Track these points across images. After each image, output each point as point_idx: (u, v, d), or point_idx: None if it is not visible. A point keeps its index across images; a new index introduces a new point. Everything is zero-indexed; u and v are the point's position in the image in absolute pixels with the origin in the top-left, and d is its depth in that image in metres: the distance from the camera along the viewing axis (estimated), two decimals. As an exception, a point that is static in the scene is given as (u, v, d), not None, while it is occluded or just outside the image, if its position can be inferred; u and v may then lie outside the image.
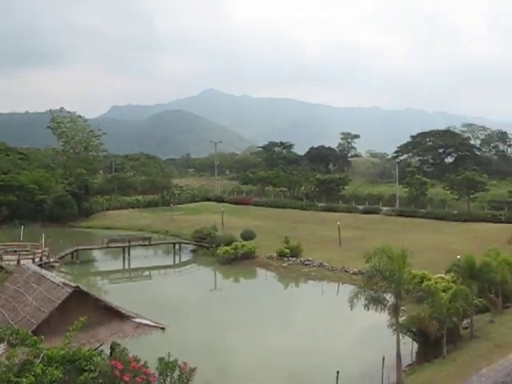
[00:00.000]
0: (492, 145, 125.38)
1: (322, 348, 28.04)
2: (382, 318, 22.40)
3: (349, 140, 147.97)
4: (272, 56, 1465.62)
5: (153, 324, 17.62)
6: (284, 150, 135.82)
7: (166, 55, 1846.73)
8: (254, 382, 23.96)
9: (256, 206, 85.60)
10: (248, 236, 55.34)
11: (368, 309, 21.63)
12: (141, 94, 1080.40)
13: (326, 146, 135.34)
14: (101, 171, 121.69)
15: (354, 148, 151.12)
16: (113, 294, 35.62)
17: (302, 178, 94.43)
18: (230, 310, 35.97)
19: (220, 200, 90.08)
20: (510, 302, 30.52)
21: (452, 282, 30.00)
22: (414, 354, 25.38)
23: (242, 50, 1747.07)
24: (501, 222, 59.17)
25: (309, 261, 48.59)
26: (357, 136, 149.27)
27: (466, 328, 27.01)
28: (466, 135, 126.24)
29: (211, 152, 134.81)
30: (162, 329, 17.63)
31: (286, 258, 50.00)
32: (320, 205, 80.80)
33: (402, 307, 22.04)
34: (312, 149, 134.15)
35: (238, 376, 24.63)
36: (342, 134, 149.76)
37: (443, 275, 32.23)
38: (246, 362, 26.21)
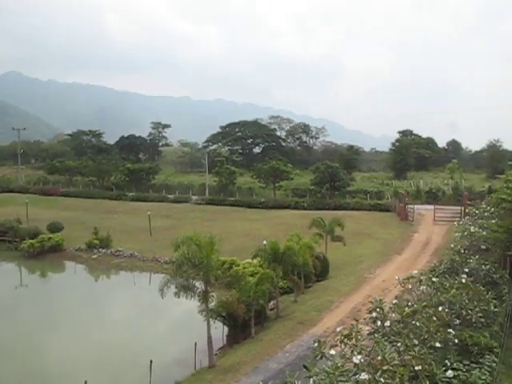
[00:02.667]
0: (296, 136, 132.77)
1: (136, 339, 27.79)
2: (194, 304, 22.80)
3: (159, 129, 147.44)
4: (80, 41, 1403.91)
5: None
6: (93, 139, 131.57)
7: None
8: (67, 380, 23.04)
9: (64, 196, 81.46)
10: (55, 228, 52.83)
11: (179, 296, 21.86)
12: None
13: (137, 135, 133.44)
14: None
15: (165, 137, 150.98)
16: None
17: (112, 168, 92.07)
18: (39, 307, 34.13)
19: (25, 191, 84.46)
20: (311, 282, 32.82)
21: (259, 266, 31.41)
22: (225, 338, 26.33)
23: (49, 32, 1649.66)
24: (304, 208, 63.00)
25: (119, 251, 47.92)
26: (167, 125, 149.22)
27: (273, 309, 28.54)
28: (272, 127, 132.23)
29: (14, 140, 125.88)
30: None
31: (95, 250, 48.79)
32: (130, 194, 79.66)
33: (212, 293, 22.55)
34: (122, 138, 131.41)
35: (51, 375, 23.53)
36: (153, 123, 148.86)
37: (251, 260, 33.56)
38: (59, 360, 25.12)
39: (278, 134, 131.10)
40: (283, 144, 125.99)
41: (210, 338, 21.91)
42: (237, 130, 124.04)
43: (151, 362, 20.25)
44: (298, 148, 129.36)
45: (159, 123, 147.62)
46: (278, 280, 27.30)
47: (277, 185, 75.04)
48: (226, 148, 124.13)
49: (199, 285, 22.09)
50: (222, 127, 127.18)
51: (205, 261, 21.11)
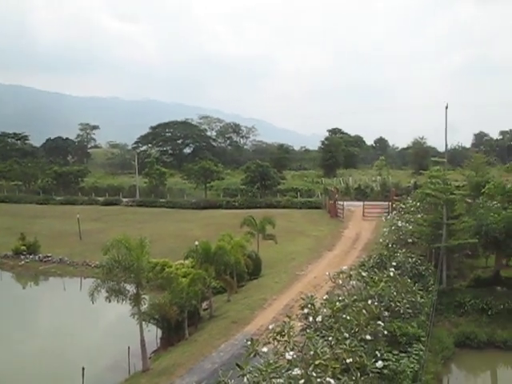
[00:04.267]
0: (227, 136, 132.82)
1: (68, 346, 27.06)
2: (128, 308, 22.42)
3: (88, 131, 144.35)
4: (2, 40, 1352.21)
5: None
6: (18, 142, 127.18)
7: None
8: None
9: (-13, 201, 78.54)
10: (-22, 235, 50.89)
11: (110, 301, 21.43)
12: None
13: (64, 137, 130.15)
14: None
15: (94, 139, 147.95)
16: None
17: (39, 171, 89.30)
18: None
19: None
20: (244, 281, 32.90)
21: (191, 267, 31.21)
22: (159, 340, 26.06)
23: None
24: (235, 208, 63.04)
25: (48, 257, 46.59)
26: (96, 127, 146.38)
27: (206, 309, 28.46)
28: (203, 127, 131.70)
29: None
30: None
31: (22, 256, 47.22)
32: (58, 198, 77.32)
33: (144, 296, 22.25)
34: (49, 140, 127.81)
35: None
36: (81, 124, 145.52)
37: (183, 261, 33.32)
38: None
39: (209, 133, 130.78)
40: (214, 144, 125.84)
41: (143, 341, 21.60)
42: (167, 130, 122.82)
43: (83, 369, 19.83)
44: (229, 148, 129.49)
45: (88, 124, 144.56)
46: (210, 280, 27.23)
47: (208, 185, 74.80)
48: (156, 149, 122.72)
49: (131, 288, 21.75)
50: (151, 128, 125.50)
51: (135, 263, 20.78)
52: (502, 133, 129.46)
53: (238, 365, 9.72)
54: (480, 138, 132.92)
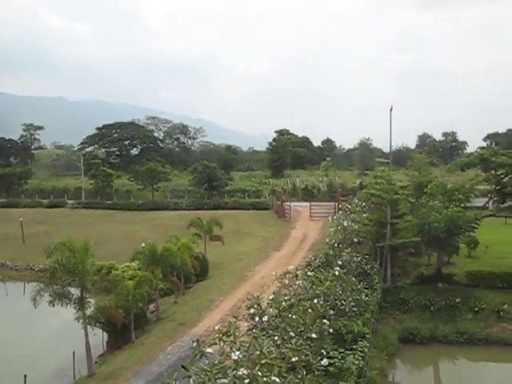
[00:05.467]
0: (174, 137, 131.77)
1: (12, 354, 26.27)
2: (72, 312, 22.00)
3: (32, 131, 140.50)
4: None
5: None
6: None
7: None
8: None
9: None
10: None
11: (53, 305, 21.01)
12: None
13: (7, 138, 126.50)
14: None
15: (38, 140, 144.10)
16: None
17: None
18: None
19: None
20: (192, 282, 32.77)
21: (138, 269, 30.89)
22: (105, 344, 25.65)
23: None
24: (183, 209, 62.73)
25: (-12, 262, 45.25)
26: (40, 127, 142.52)
27: (153, 312, 28.20)
28: (150, 127, 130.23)
29: None
30: None
31: (-39, 261, 45.63)
32: (0, 200, 75.45)
33: (89, 299, 21.89)
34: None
35: None
36: (25, 125, 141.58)
37: (129, 264, 32.95)
38: None
39: (156, 135, 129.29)
40: (161, 145, 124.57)
41: (88, 345, 21.28)
42: (113, 131, 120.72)
43: (25, 376, 19.36)
44: (177, 149, 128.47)
45: (31, 125, 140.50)
46: (157, 282, 27.05)
47: (155, 186, 74.10)
48: (103, 150, 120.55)
49: (75, 291, 21.37)
50: (98, 128, 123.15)
51: (80, 266, 20.43)
52: (445, 134, 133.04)
53: (183, 366, 9.66)
54: (424, 139, 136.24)
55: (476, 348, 25.83)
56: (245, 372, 9.59)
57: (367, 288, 20.55)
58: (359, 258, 24.56)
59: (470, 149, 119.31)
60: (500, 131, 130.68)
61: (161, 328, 24.82)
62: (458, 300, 27.65)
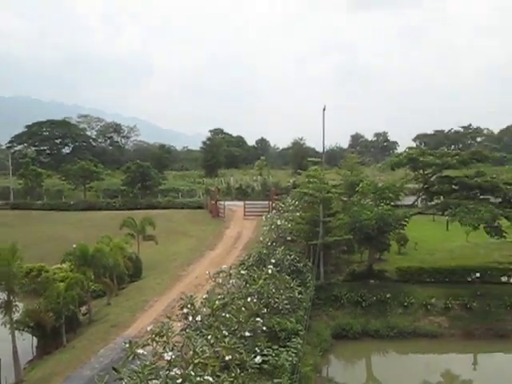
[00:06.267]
0: (107, 136, 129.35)
1: None
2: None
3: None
4: None
5: None
6: None
7: None
8: None
9: None
10: None
11: (-23, 310, 20.28)
12: None
13: None
14: None
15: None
16: None
17: None
18: None
19: None
20: (125, 283, 32.27)
21: (70, 271, 30.15)
22: (35, 349, 24.88)
23: None
24: (116, 209, 61.66)
25: None
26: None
27: (85, 314, 27.57)
28: (82, 126, 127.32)
29: None
30: None
31: None
32: None
33: (17, 303, 21.21)
34: None
35: None
36: None
37: (60, 265, 32.13)
38: None
39: (89, 133, 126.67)
40: (94, 144, 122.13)
41: (15, 351, 20.60)
42: (44, 129, 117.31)
43: None
44: (110, 148, 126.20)
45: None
46: (88, 283, 26.48)
47: (87, 186, 72.60)
48: (33, 149, 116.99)
49: (2, 295, 20.68)
50: (27, 126, 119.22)
51: (6, 269, 19.76)
52: (376, 134, 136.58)
53: (114, 368, 9.53)
54: (356, 139, 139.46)
55: (405, 341, 26.69)
56: (178, 372, 9.55)
57: (300, 285, 20.84)
58: (292, 256, 24.85)
59: (400, 149, 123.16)
60: (428, 132, 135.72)
61: (93, 330, 24.30)
62: (388, 295, 28.43)
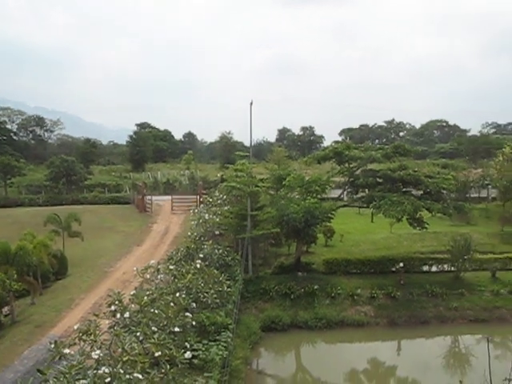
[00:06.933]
0: (29, 129, 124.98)
1: None
2: None
3: None
4: None
5: None
6: None
7: None
8: None
9: None
10: None
11: None
12: None
13: None
14: None
15: None
16: None
17: None
18: None
19: None
20: (50, 281, 31.39)
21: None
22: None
23: None
24: (39, 205, 59.81)
25: None
26: None
27: (8, 315, 26.62)
28: (2, 119, 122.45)
29: None
30: None
31: None
32: None
33: None
34: None
35: None
36: None
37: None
38: None
39: (9, 127, 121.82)
40: (15, 138, 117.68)
41: None
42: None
43: None
44: (32, 142, 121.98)
45: None
46: (10, 283, 25.56)
47: (8, 182, 69.96)
48: None
49: None
50: None
51: None
52: (303, 128, 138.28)
53: (39, 370, 9.27)
54: (283, 133, 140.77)
55: (333, 331, 27.25)
56: (106, 371, 9.42)
57: (229, 279, 20.91)
58: (221, 251, 24.93)
59: (326, 143, 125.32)
60: (354, 126, 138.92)
61: (16, 332, 23.51)
62: (316, 287, 28.95)
